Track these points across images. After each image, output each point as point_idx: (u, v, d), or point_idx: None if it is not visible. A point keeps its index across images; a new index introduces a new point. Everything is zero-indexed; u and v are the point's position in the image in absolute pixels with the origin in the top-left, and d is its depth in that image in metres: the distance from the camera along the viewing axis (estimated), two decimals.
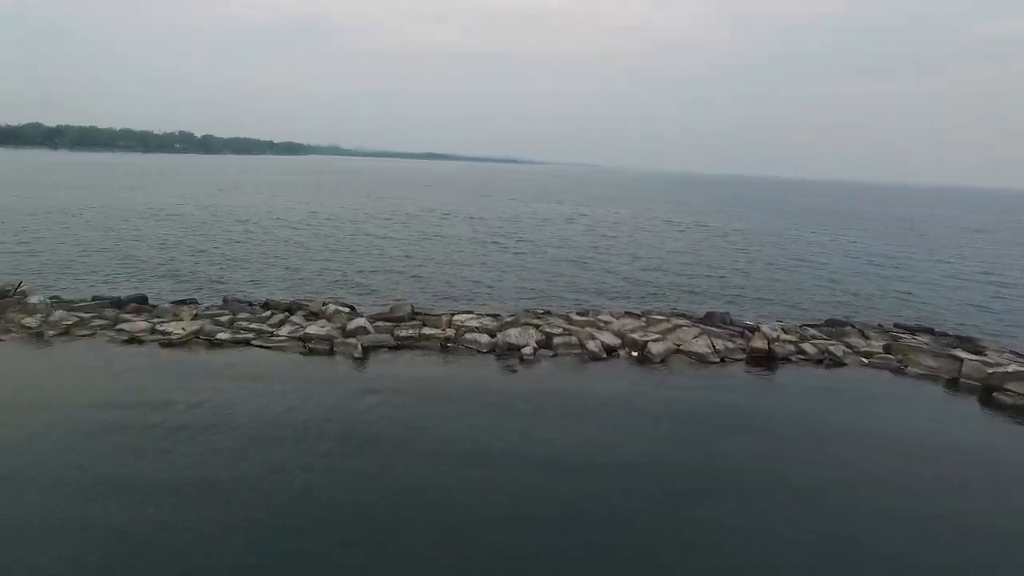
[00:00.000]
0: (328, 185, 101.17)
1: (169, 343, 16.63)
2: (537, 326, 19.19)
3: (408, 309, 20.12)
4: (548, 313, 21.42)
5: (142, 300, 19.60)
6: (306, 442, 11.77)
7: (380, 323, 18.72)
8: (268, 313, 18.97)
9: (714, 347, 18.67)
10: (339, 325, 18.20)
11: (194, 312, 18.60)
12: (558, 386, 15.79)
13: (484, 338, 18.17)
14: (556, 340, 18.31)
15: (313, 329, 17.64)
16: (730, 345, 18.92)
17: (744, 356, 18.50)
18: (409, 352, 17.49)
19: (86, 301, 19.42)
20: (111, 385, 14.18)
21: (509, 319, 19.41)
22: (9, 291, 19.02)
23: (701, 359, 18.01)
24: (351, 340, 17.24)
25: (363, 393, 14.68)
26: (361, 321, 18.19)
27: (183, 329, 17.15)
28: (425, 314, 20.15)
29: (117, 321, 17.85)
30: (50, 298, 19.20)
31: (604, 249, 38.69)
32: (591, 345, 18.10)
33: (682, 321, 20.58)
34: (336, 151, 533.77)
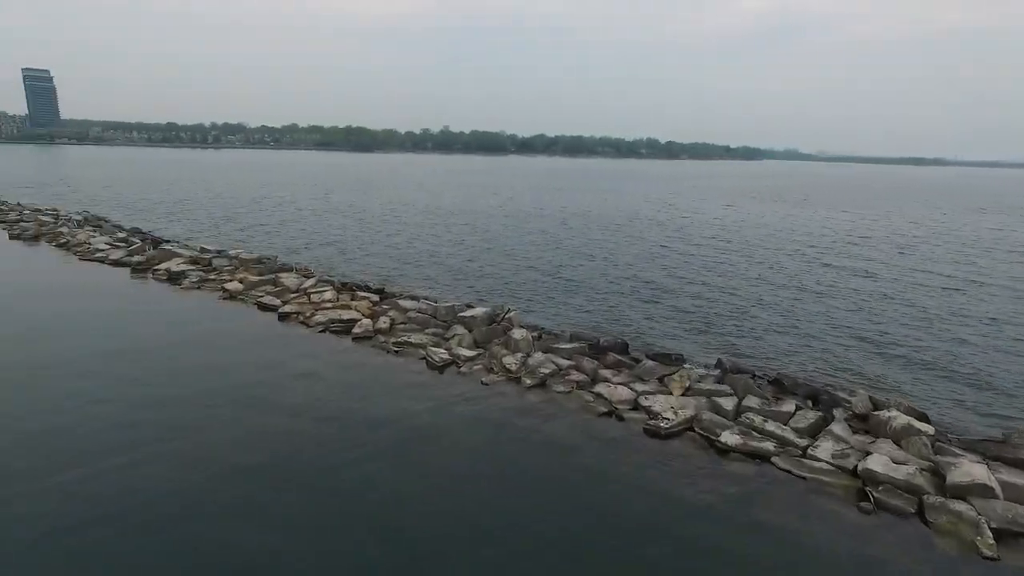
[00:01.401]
0: (791, 192, 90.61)
1: (656, 432, 11.96)
2: None
3: None
4: None
5: (622, 349, 15.88)
6: None
7: (1001, 472, 10.16)
8: (792, 408, 12.56)
9: None
10: (923, 462, 10.50)
11: (686, 383, 13.71)
12: None
13: None
14: None
15: (878, 463, 10.42)
16: None
17: None
18: None
19: (565, 340, 16.80)
20: (577, 484, 10.35)
21: None
22: (498, 316, 17.85)
23: None
24: (960, 507, 9.37)
25: None
26: (977, 471, 9.96)
27: (675, 414, 12.29)
28: None
29: (595, 379, 14.31)
30: (530, 330, 17.26)
31: None
32: None
33: None
34: (793, 155, 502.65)
